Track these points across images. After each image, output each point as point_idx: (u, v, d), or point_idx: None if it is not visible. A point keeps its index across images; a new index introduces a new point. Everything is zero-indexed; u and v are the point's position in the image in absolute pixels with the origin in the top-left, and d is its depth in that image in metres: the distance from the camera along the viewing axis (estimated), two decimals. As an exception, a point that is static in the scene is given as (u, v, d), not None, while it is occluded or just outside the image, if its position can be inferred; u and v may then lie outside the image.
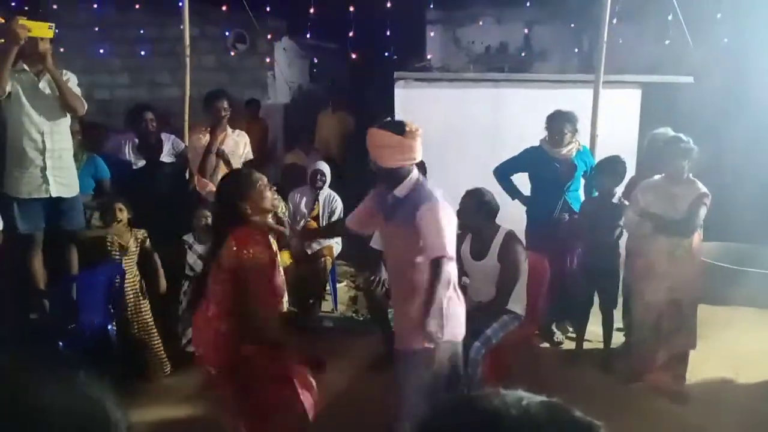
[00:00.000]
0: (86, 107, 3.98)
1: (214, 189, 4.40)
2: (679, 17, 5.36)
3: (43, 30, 3.62)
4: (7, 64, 3.59)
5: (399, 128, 2.64)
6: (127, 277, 3.88)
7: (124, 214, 3.91)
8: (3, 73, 3.59)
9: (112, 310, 3.79)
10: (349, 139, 7.56)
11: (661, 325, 3.74)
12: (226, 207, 2.58)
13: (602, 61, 4.87)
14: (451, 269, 2.64)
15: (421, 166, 4.25)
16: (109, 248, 3.87)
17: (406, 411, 2.72)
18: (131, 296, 3.91)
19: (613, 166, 4.10)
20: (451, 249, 2.57)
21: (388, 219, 2.78)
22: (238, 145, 4.56)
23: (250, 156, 4.66)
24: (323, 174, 5.03)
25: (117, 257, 3.87)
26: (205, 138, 4.37)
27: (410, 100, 5.55)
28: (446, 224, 2.57)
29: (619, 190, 4.20)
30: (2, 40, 3.59)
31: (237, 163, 4.42)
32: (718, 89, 6.37)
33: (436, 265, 2.53)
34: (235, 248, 2.45)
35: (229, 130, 4.53)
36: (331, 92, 8.74)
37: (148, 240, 4.01)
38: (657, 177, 3.86)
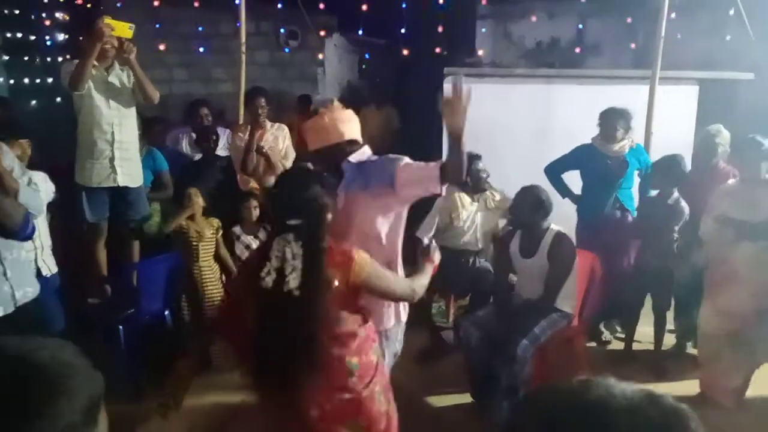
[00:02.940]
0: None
1: (256, 186, 4.49)
2: (741, 11, 5.18)
3: (124, 30, 3.83)
4: (91, 60, 3.79)
5: (315, 110, 2.64)
6: (203, 265, 3.92)
7: (199, 200, 3.94)
8: (86, 68, 3.79)
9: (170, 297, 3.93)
10: (394, 135, 7.57)
11: (740, 335, 3.47)
12: (320, 221, 2.10)
13: (659, 57, 4.75)
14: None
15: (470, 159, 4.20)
16: (185, 234, 3.88)
17: None
18: (209, 285, 3.92)
19: (669, 165, 3.98)
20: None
21: (346, 188, 2.51)
22: (277, 140, 4.54)
23: (291, 151, 4.61)
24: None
25: (194, 244, 3.90)
26: (246, 136, 4.33)
27: (460, 96, 5.53)
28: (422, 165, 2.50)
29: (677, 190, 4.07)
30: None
31: (277, 159, 4.41)
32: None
33: None
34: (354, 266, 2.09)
35: (268, 125, 4.51)
36: (377, 88, 8.77)
37: (221, 230, 4.04)
38: (732, 181, 3.74)
